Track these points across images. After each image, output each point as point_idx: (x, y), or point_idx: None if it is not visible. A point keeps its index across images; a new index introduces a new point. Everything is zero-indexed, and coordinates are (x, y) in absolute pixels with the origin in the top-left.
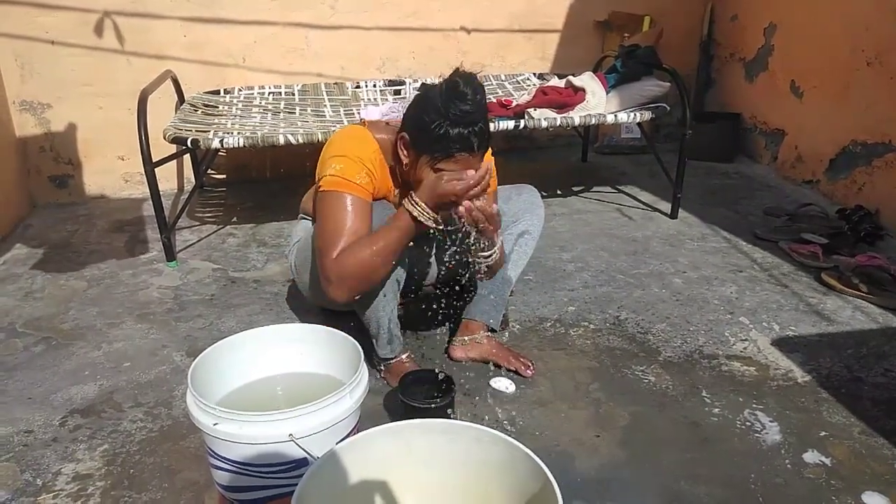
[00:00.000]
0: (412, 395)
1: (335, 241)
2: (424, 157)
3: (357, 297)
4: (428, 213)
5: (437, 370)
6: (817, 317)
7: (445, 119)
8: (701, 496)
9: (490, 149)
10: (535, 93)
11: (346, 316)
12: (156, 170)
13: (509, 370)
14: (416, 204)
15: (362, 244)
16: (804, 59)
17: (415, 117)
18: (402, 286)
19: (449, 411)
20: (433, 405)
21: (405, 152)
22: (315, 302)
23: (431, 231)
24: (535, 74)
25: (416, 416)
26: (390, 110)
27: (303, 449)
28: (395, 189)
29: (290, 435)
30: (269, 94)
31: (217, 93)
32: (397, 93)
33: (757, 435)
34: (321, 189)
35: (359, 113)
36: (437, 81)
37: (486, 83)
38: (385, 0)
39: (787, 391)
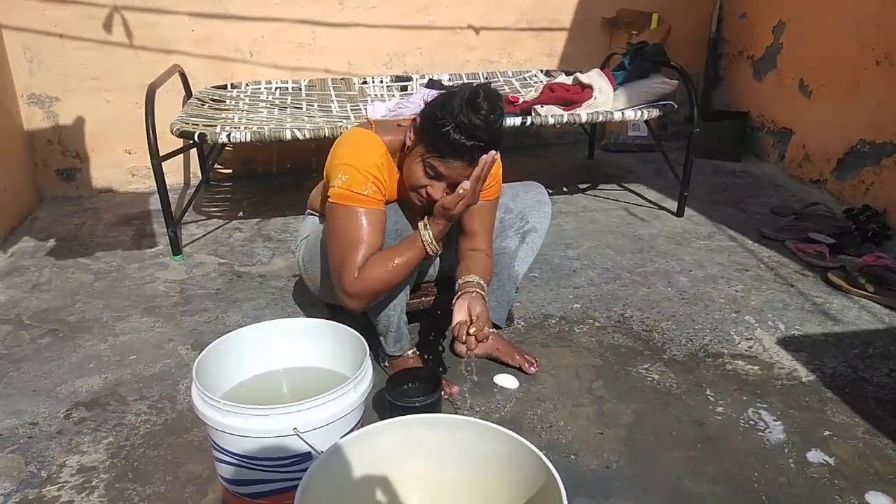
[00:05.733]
0: (399, 392)
1: (352, 257)
2: (421, 146)
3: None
4: (434, 245)
5: (428, 367)
6: (823, 316)
7: (453, 122)
8: (704, 494)
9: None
10: (543, 89)
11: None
12: (162, 164)
13: (513, 367)
14: (428, 229)
15: (380, 261)
16: (813, 58)
17: (430, 108)
18: (412, 283)
19: (434, 411)
20: (417, 404)
21: (412, 136)
22: (324, 299)
23: None
24: (542, 71)
25: (399, 415)
26: (397, 106)
27: (307, 443)
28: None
29: (295, 429)
30: (276, 89)
31: (224, 87)
32: (404, 89)
33: (761, 434)
34: (330, 200)
35: (365, 109)
36: (472, 82)
37: (493, 79)
38: None
39: (791, 390)
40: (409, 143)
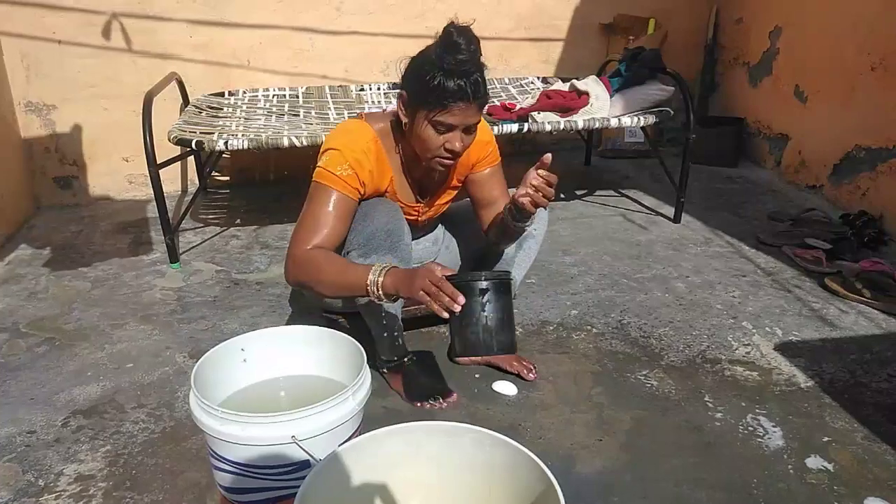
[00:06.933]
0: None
1: (307, 236)
2: (421, 111)
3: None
4: (380, 295)
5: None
6: (820, 322)
7: (440, 70)
8: (703, 500)
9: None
10: (539, 96)
11: (350, 318)
12: (160, 171)
13: (512, 373)
14: (377, 282)
15: (327, 263)
16: (809, 63)
17: (411, 73)
18: None
19: (501, 294)
20: (483, 278)
21: (404, 111)
22: (321, 306)
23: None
24: (538, 78)
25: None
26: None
27: (305, 451)
28: (401, 174)
29: (293, 437)
30: (274, 96)
31: (221, 95)
32: (401, 96)
33: (759, 440)
34: (312, 179)
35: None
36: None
37: (489, 87)
38: (390, 3)
39: (789, 396)
40: (404, 119)
